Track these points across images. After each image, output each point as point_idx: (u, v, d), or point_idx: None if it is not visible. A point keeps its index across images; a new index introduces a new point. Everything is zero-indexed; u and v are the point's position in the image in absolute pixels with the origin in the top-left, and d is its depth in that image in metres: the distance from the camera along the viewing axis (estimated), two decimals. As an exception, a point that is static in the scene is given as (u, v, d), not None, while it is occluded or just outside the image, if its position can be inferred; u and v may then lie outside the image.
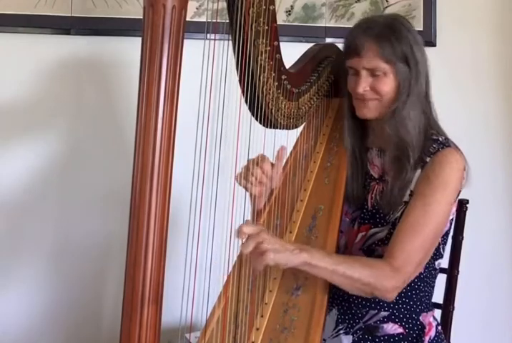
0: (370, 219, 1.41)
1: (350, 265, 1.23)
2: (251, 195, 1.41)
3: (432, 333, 1.39)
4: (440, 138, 1.38)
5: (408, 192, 1.35)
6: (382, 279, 1.25)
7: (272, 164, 1.40)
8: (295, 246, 1.21)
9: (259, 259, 1.15)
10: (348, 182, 1.44)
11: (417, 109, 1.37)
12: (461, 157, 1.35)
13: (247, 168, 1.38)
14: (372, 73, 1.36)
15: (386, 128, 1.37)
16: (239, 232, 1.13)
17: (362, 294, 1.29)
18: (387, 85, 1.36)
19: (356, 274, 1.22)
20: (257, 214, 1.43)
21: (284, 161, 1.45)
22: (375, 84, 1.36)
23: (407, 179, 1.35)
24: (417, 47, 1.36)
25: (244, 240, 1.15)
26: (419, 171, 1.35)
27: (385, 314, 1.37)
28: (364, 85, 1.36)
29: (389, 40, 1.34)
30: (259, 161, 1.38)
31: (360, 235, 1.41)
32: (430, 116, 1.41)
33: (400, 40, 1.34)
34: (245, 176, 1.38)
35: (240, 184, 1.39)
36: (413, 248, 1.28)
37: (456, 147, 1.38)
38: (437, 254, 1.41)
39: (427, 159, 1.35)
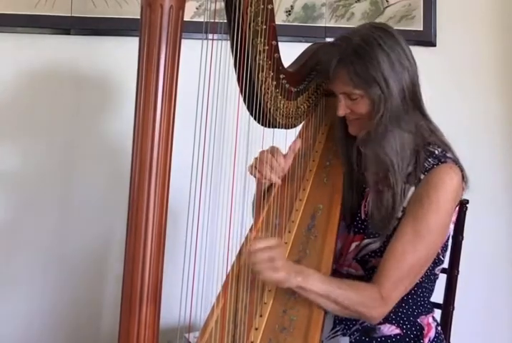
0: (364, 229, 1.40)
1: (341, 292, 1.24)
2: (259, 184, 1.44)
3: (432, 334, 1.39)
4: (437, 151, 1.36)
5: (400, 209, 1.34)
6: (371, 308, 1.27)
7: (284, 156, 1.41)
8: (294, 268, 1.23)
9: (268, 272, 1.17)
10: (344, 192, 1.43)
11: (396, 127, 1.34)
12: (456, 173, 1.33)
13: (260, 159, 1.38)
14: (350, 97, 1.36)
15: (364, 151, 1.38)
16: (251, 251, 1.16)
17: (349, 317, 1.33)
18: (364, 108, 1.36)
19: (346, 301, 1.24)
20: (262, 197, 1.44)
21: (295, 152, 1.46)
22: (353, 107, 1.37)
23: (390, 202, 1.33)
24: (388, 65, 1.32)
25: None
26: (412, 188, 1.34)
27: (383, 315, 1.36)
28: (342, 108, 1.38)
29: (355, 66, 1.32)
30: (273, 152, 1.39)
31: (353, 244, 1.40)
32: (425, 129, 1.38)
33: (366, 65, 1.32)
34: (259, 168, 1.39)
35: (254, 175, 1.39)
36: (400, 275, 1.28)
37: (453, 160, 1.35)
38: (438, 261, 1.41)
39: (422, 176, 1.33)
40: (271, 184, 1.45)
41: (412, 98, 1.36)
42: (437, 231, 1.32)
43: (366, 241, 1.39)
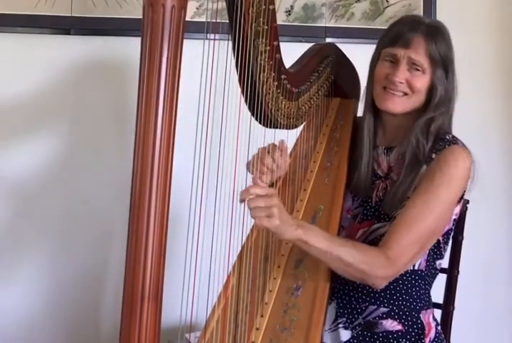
0: (372, 215, 1.41)
1: (345, 249, 1.24)
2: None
3: (432, 334, 1.39)
4: (448, 137, 1.39)
5: (412, 189, 1.35)
6: (375, 267, 1.26)
7: (281, 153, 1.42)
8: (295, 221, 1.22)
9: (264, 219, 1.16)
10: (360, 172, 1.43)
11: (448, 119, 1.41)
12: (468, 155, 1.35)
13: (257, 157, 1.39)
14: (411, 67, 1.37)
15: (416, 134, 1.37)
16: (244, 194, 1.15)
17: (352, 278, 1.30)
18: (423, 83, 1.37)
19: (350, 259, 1.23)
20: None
21: (289, 150, 1.47)
22: (412, 79, 1.37)
23: (411, 181, 1.35)
24: (453, 55, 1.39)
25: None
26: (424, 167, 1.35)
27: (385, 310, 1.36)
28: (402, 75, 1.37)
29: (437, 40, 1.36)
30: (270, 150, 1.39)
31: (361, 231, 1.41)
32: (448, 126, 1.43)
33: (446, 44, 1.38)
34: (256, 165, 1.39)
35: (251, 172, 1.40)
36: (409, 241, 1.28)
37: (464, 145, 1.38)
38: (439, 254, 1.41)
39: (433, 156, 1.35)
40: (271, 184, 1.45)
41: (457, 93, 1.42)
42: (447, 205, 1.33)
43: (376, 225, 1.39)
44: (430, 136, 1.37)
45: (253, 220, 1.42)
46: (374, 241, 1.38)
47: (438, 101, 1.37)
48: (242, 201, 1.16)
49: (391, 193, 1.37)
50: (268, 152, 1.40)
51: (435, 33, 1.37)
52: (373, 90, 1.44)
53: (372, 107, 1.45)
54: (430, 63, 1.36)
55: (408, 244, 1.28)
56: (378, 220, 1.39)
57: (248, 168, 1.41)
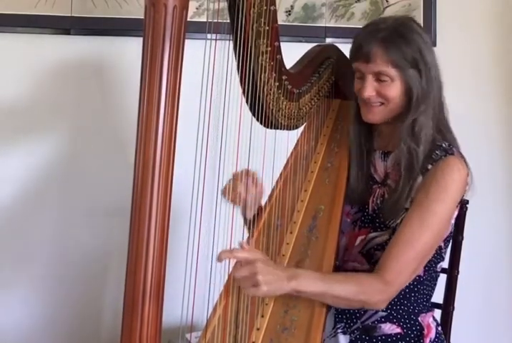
0: (369, 223, 1.40)
1: (340, 286, 1.24)
2: (240, 206, 1.43)
3: (432, 334, 1.38)
4: (444, 145, 1.36)
5: (409, 199, 1.34)
6: (372, 295, 1.26)
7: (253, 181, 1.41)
8: (286, 273, 1.19)
9: (251, 289, 1.15)
10: (353, 182, 1.43)
11: (431, 117, 1.35)
12: (463, 166, 1.33)
13: (230, 183, 1.38)
14: (379, 78, 1.34)
15: (405, 140, 1.35)
16: (224, 254, 1.13)
17: (354, 308, 1.32)
18: (394, 91, 1.34)
19: (347, 294, 1.24)
20: (249, 223, 1.44)
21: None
22: (382, 89, 1.35)
23: (407, 189, 1.34)
24: (427, 50, 1.34)
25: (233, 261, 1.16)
26: (420, 178, 1.34)
27: (383, 314, 1.36)
28: (370, 90, 1.35)
29: (397, 45, 1.32)
30: (242, 177, 1.39)
31: (359, 238, 1.40)
32: (442, 123, 1.39)
33: (408, 44, 1.32)
34: (228, 191, 1.38)
35: (226, 198, 1.39)
36: (407, 260, 1.28)
37: (459, 153, 1.37)
38: (439, 258, 1.41)
39: (429, 167, 1.33)
40: (260, 208, 1.46)
41: (441, 89, 1.38)
42: (443, 220, 1.32)
43: (372, 234, 1.39)
44: (419, 139, 1.34)
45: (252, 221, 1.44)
46: (371, 250, 1.38)
47: (417, 101, 1.34)
48: (219, 260, 1.13)
49: (389, 203, 1.36)
50: (240, 179, 1.39)
51: (394, 38, 1.32)
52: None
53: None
54: (396, 69, 1.32)
55: (405, 263, 1.28)
56: (375, 229, 1.39)
57: (223, 194, 1.40)
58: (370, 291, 1.25)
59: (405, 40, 1.32)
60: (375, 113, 1.38)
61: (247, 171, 1.40)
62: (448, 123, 1.41)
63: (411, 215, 1.30)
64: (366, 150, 1.45)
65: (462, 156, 1.37)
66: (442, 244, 1.39)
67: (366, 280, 1.27)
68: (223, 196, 1.40)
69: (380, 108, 1.37)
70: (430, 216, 1.29)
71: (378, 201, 1.40)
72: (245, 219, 1.48)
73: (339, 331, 1.37)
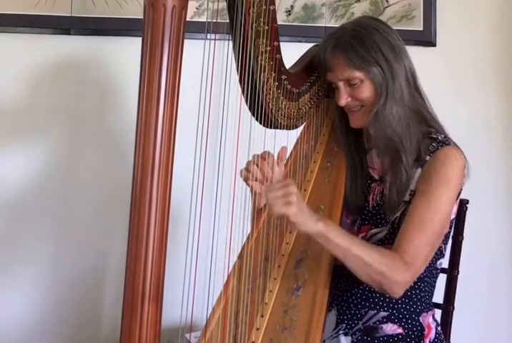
0: (370, 220, 1.41)
1: (365, 248, 1.23)
2: (252, 192, 1.41)
3: (432, 335, 1.39)
4: (440, 137, 1.38)
5: (408, 192, 1.35)
6: (394, 270, 1.23)
7: (278, 161, 1.40)
8: (316, 214, 1.21)
9: (282, 207, 1.15)
10: (348, 187, 1.43)
11: (400, 106, 1.36)
12: (461, 155, 1.35)
13: (251, 163, 1.37)
14: (349, 83, 1.37)
15: (373, 133, 1.39)
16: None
17: (371, 282, 1.26)
18: (366, 91, 1.37)
19: (369, 259, 1.22)
20: (257, 213, 1.43)
21: (285, 160, 1.46)
22: (355, 93, 1.37)
23: (404, 180, 1.35)
24: (387, 46, 1.35)
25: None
26: (419, 170, 1.35)
27: (385, 314, 1.36)
28: (344, 97, 1.38)
29: (354, 48, 1.34)
30: (265, 157, 1.38)
31: (360, 236, 1.41)
32: (425, 110, 1.40)
33: (365, 45, 1.34)
34: (249, 172, 1.37)
35: (244, 179, 1.38)
36: (421, 243, 1.27)
37: (456, 145, 1.38)
38: (439, 254, 1.41)
39: (427, 158, 1.35)
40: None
41: (413, 80, 1.39)
42: (448, 205, 1.33)
43: (373, 230, 1.39)
44: (387, 127, 1.35)
45: (251, 221, 1.44)
46: None
47: (380, 94, 1.35)
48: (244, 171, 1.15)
49: (386, 199, 1.37)
50: (264, 159, 1.38)
51: (348, 42, 1.35)
52: None
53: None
54: (360, 70, 1.35)
55: (421, 246, 1.27)
56: (376, 225, 1.39)
57: (240, 175, 1.39)
58: (392, 265, 1.23)
59: (359, 40, 1.35)
60: (359, 117, 1.40)
61: (266, 156, 1.39)
62: (432, 111, 1.42)
63: (418, 202, 1.31)
64: (356, 152, 1.46)
65: (458, 147, 1.38)
66: (441, 241, 1.39)
67: (390, 255, 1.26)
68: (241, 176, 1.39)
69: (361, 112, 1.40)
70: (435, 200, 1.30)
71: (378, 198, 1.41)
72: (254, 209, 1.46)
73: (340, 332, 1.37)
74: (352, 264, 1.24)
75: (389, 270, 1.23)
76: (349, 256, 1.22)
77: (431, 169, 1.33)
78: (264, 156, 1.38)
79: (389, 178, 1.38)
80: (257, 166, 1.37)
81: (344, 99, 1.38)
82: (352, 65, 1.34)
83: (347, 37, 1.36)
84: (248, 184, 1.39)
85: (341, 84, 1.38)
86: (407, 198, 1.35)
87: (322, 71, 1.42)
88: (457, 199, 1.38)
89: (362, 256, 1.21)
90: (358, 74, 1.35)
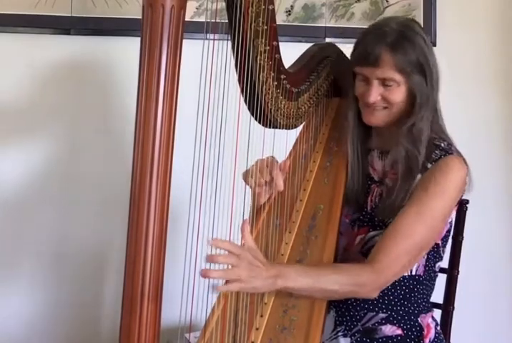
0: (368, 222, 1.40)
1: (327, 278, 1.23)
2: (253, 193, 1.41)
3: (432, 335, 1.38)
4: (443, 144, 1.37)
5: (407, 197, 1.34)
6: (361, 285, 1.26)
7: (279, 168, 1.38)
8: (270, 271, 1.17)
9: (231, 283, 1.12)
10: (348, 184, 1.43)
11: (430, 120, 1.36)
12: (462, 164, 1.34)
13: (256, 167, 1.36)
14: (384, 82, 1.33)
15: (403, 143, 1.35)
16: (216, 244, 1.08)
17: (346, 298, 1.32)
18: (399, 95, 1.34)
19: (335, 286, 1.23)
20: (257, 211, 1.43)
21: (288, 151, 1.46)
22: (387, 94, 1.34)
23: (405, 190, 1.34)
24: (430, 52, 1.34)
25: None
26: (419, 176, 1.34)
27: (384, 315, 1.36)
28: (375, 95, 1.34)
29: (404, 50, 1.31)
30: (269, 163, 1.37)
31: (358, 237, 1.40)
32: (436, 122, 1.39)
33: (414, 49, 1.31)
34: (253, 175, 1.36)
35: (247, 182, 1.38)
36: (398, 253, 1.27)
37: (458, 153, 1.37)
38: (438, 257, 1.41)
39: (429, 166, 1.34)
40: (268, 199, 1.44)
41: (438, 89, 1.38)
42: (439, 217, 1.32)
43: (371, 233, 1.38)
44: (418, 142, 1.34)
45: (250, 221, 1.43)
46: (370, 249, 1.37)
47: (419, 106, 1.34)
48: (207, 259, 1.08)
49: (386, 203, 1.36)
50: (266, 165, 1.37)
51: (402, 43, 1.31)
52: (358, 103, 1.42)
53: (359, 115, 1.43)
54: (402, 74, 1.32)
55: (397, 256, 1.27)
56: (374, 228, 1.39)
57: (245, 179, 1.38)
58: (358, 282, 1.25)
59: (411, 44, 1.32)
60: (378, 116, 1.38)
61: (271, 160, 1.38)
62: (443, 124, 1.41)
63: (408, 209, 1.30)
64: (360, 150, 1.45)
65: (461, 155, 1.37)
66: (440, 243, 1.39)
67: (355, 271, 1.27)
68: (245, 181, 1.39)
69: (383, 112, 1.37)
70: (426, 211, 1.29)
71: (376, 200, 1.40)
72: (253, 205, 1.44)
73: (339, 334, 1.37)
74: (322, 296, 1.25)
75: (356, 288, 1.26)
76: (316, 292, 1.23)
77: (430, 179, 1.32)
78: (268, 162, 1.36)
79: (390, 183, 1.37)
80: (261, 174, 1.36)
81: (374, 97, 1.34)
82: (398, 67, 1.31)
83: (398, 36, 1.31)
84: (250, 187, 1.39)
85: (376, 82, 1.34)
86: (405, 202, 1.34)
87: (359, 63, 1.36)
88: (453, 207, 1.37)
89: (327, 287, 1.23)
90: (399, 78, 1.32)
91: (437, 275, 1.44)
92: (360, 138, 1.45)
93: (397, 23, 1.37)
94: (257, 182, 1.37)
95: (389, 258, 1.27)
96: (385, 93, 1.34)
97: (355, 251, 1.40)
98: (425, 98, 1.34)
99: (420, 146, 1.34)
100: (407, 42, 1.32)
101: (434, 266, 1.41)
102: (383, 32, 1.34)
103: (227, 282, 1.13)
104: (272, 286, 1.18)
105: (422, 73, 1.33)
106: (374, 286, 1.28)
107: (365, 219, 1.41)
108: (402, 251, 1.28)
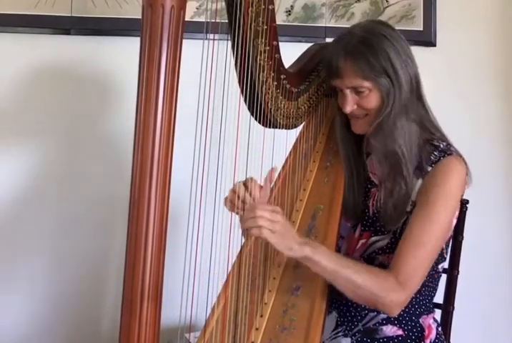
0: (370, 227, 1.40)
1: (354, 270, 1.22)
2: (240, 217, 1.34)
3: (433, 335, 1.38)
4: (442, 145, 1.36)
5: (409, 203, 1.34)
6: (386, 290, 1.23)
7: (261, 187, 1.30)
8: (303, 238, 1.20)
9: (265, 230, 1.14)
10: (345, 193, 1.42)
11: (404, 117, 1.35)
12: (462, 164, 1.34)
13: (233, 191, 1.30)
14: (356, 90, 1.34)
15: (374, 143, 1.37)
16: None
17: (365, 302, 1.28)
18: (373, 101, 1.35)
19: (359, 280, 1.21)
20: (246, 235, 1.41)
21: (273, 183, 1.40)
22: (361, 102, 1.35)
23: (402, 194, 1.34)
24: (396, 55, 1.33)
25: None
26: (420, 181, 1.34)
27: (384, 316, 1.36)
28: (350, 104, 1.36)
29: (365, 57, 1.31)
30: (247, 184, 1.31)
31: (360, 242, 1.40)
32: (426, 120, 1.39)
33: (376, 55, 1.32)
34: (232, 200, 1.29)
35: (228, 208, 1.31)
36: (417, 261, 1.27)
37: (457, 153, 1.37)
38: (441, 258, 1.41)
39: (429, 169, 1.34)
40: None
41: (417, 88, 1.37)
42: (447, 220, 1.33)
43: (374, 238, 1.38)
44: (389, 138, 1.33)
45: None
46: (372, 254, 1.38)
47: (386, 105, 1.34)
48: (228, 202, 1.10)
49: (388, 208, 1.36)
50: (246, 187, 1.30)
51: (360, 49, 1.32)
52: None
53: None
54: (369, 80, 1.32)
55: (417, 264, 1.27)
56: (376, 233, 1.38)
57: (225, 204, 1.33)
58: (384, 286, 1.23)
59: (371, 49, 1.32)
60: (362, 125, 1.39)
61: (248, 181, 1.31)
62: (434, 119, 1.41)
63: (417, 217, 1.30)
64: (354, 156, 1.44)
65: (459, 155, 1.37)
66: (444, 244, 1.39)
67: (382, 274, 1.26)
68: (225, 207, 1.34)
69: (364, 120, 1.38)
70: (436, 216, 1.29)
71: (378, 204, 1.39)
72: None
73: (340, 334, 1.37)
74: (341, 286, 1.23)
75: (382, 290, 1.23)
76: (337, 278, 1.22)
77: (432, 182, 1.32)
78: (246, 184, 1.30)
79: (387, 189, 1.37)
80: (238, 194, 1.29)
81: (350, 107, 1.36)
82: (362, 74, 1.32)
83: (356, 43, 1.33)
84: (235, 212, 1.31)
85: (348, 91, 1.35)
86: (408, 208, 1.34)
87: (329, 76, 1.39)
88: (457, 208, 1.38)
89: (352, 278, 1.21)
90: (367, 84, 1.33)
91: (440, 276, 1.44)
92: (351, 145, 1.45)
93: (361, 28, 1.38)
94: (239, 207, 1.29)
95: (409, 269, 1.26)
96: (360, 101, 1.36)
97: (356, 255, 1.40)
98: (391, 97, 1.33)
99: (395, 144, 1.33)
100: (365, 48, 1.32)
101: (437, 267, 1.41)
102: (344, 42, 1.35)
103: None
104: (298, 249, 1.18)
105: (387, 76, 1.33)
106: (396, 297, 1.24)
107: (367, 223, 1.41)
108: (419, 261, 1.27)
